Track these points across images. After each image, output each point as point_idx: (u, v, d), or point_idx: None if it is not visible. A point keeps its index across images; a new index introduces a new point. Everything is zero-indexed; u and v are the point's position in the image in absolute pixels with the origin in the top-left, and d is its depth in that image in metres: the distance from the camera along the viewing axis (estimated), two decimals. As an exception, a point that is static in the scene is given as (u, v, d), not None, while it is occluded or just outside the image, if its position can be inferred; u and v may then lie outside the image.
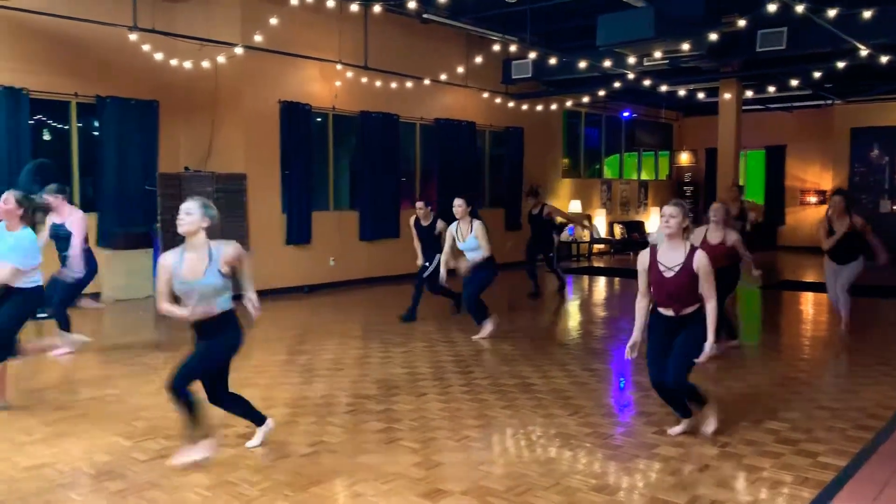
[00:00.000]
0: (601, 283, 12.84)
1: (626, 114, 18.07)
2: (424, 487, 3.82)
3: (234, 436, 4.55)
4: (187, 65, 10.07)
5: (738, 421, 4.88)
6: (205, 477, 3.94)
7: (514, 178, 14.86)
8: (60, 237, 6.80)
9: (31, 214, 5.18)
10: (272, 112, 10.68)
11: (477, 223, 7.59)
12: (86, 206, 10.13)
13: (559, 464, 4.17)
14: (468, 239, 7.58)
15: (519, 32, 10.82)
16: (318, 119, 11.53)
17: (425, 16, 10.28)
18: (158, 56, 9.70)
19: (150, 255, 10.33)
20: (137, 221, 10.30)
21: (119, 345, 7.39)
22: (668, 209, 4.45)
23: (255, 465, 4.13)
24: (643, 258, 4.56)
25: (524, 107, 14.62)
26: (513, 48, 11.28)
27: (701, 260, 4.37)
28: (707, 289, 4.38)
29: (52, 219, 6.60)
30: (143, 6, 9.10)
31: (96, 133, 10.33)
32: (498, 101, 13.92)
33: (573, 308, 10.31)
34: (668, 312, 4.48)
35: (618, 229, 17.69)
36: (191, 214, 3.99)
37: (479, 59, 12.21)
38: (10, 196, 5.10)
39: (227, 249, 4.02)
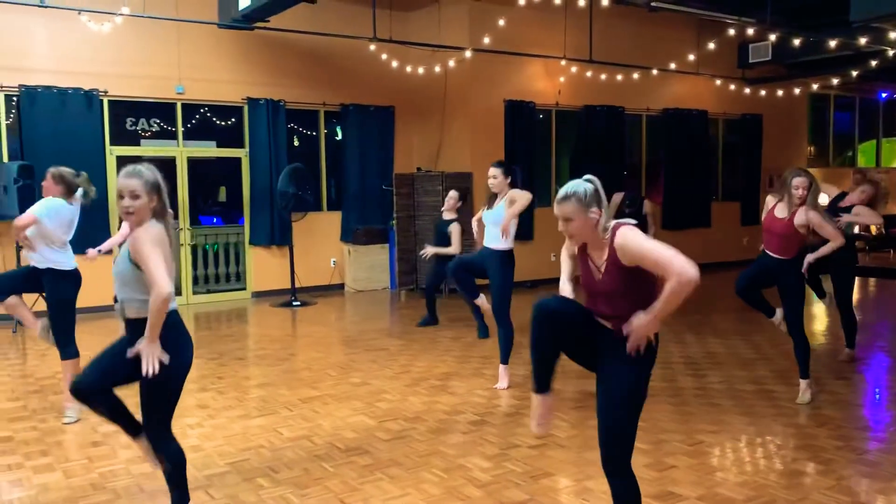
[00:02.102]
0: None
1: (884, 95, 16.14)
2: (656, 489, 3.73)
3: (465, 423, 4.76)
4: (420, 70, 10.64)
5: None
6: (441, 460, 4.17)
7: (751, 169, 13.91)
8: None
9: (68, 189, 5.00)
10: (497, 111, 10.94)
11: (515, 191, 5.68)
12: (331, 206, 11.16)
13: (804, 477, 3.86)
14: (497, 207, 5.76)
15: (757, 13, 10.08)
16: (542, 115, 11.62)
17: (654, 4, 9.94)
18: (394, 64, 10.36)
19: (387, 250, 11.08)
20: (376, 219, 11.10)
21: (360, 332, 8.01)
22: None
23: (488, 453, 4.28)
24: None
25: (762, 92, 13.61)
26: (750, 31, 10.54)
27: (623, 233, 2.73)
28: (665, 259, 2.59)
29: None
30: (381, 18, 9.76)
31: (339, 138, 11.27)
32: (732, 87, 13.09)
33: (820, 310, 9.43)
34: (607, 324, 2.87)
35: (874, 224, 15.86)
36: (138, 198, 3.09)
37: (711, 45, 11.56)
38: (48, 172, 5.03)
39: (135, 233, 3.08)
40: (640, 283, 2.74)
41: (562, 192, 2.84)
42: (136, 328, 3.10)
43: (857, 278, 7.10)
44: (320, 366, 6.45)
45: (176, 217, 9.96)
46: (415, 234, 10.57)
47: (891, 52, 11.12)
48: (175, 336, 3.17)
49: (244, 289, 10.54)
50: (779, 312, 5.37)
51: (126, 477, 4.00)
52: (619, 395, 2.79)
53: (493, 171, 5.75)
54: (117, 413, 3.30)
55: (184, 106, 9.96)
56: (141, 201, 3.08)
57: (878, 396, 5.48)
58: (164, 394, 3.21)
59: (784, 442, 4.39)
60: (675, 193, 12.85)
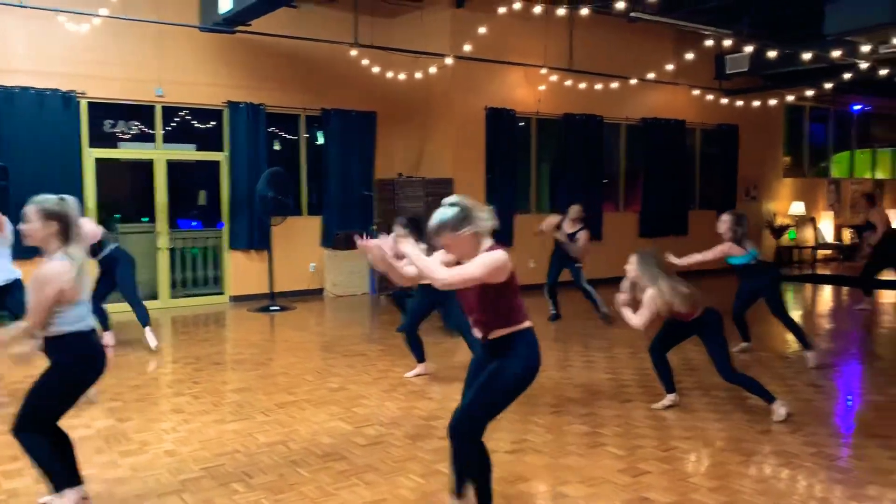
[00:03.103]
0: (826, 291, 11.78)
1: (857, 107, 16.42)
2: (630, 495, 3.76)
3: (443, 428, 4.76)
4: (402, 76, 10.66)
5: None
6: (418, 465, 4.17)
7: (728, 179, 14.09)
8: None
9: None
10: (478, 118, 11.00)
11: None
12: (311, 210, 11.13)
13: (777, 483, 3.91)
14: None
15: (734, 25, 10.23)
16: (522, 123, 11.69)
17: (633, 14, 10.05)
18: (376, 69, 10.37)
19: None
20: (356, 224, 11.07)
21: (339, 337, 7.99)
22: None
23: (463, 458, 4.28)
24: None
25: (739, 103, 13.79)
26: (727, 42, 10.68)
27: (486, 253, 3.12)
28: (459, 268, 3.09)
29: None
30: (363, 23, 9.77)
31: (320, 143, 11.25)
32: (710, 97, 13.25)
33: (796, 318, 9.55)
34: (478, 332, 3.30)
35: (847, 233, 16.11)
36: (30, 223, 3.29)
37: (689, 55, 11.69)
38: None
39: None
40: (498, 296, 3.14)
41: (432, 226, 3.12)
42: (48, 345, 3.34)
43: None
44: (298, 371, 6.43)
45: (153, 220, 9.90)
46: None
47: (864, 66, 11.32)
48: (72, 351, 3.35)
49: (222, 293, 10.48)
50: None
51: (98, 483, 3.96)
52: (492, 388, 3.15)
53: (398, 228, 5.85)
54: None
55: (163, 108, 9.90)
56: (32, 226, 3.26)
57: (849, 403, 5.56)
58: (50, 395, 3.38)
59: (757, 448, 4.44)
60: (652, 202, 12.97)
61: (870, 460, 4.23)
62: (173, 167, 10.12)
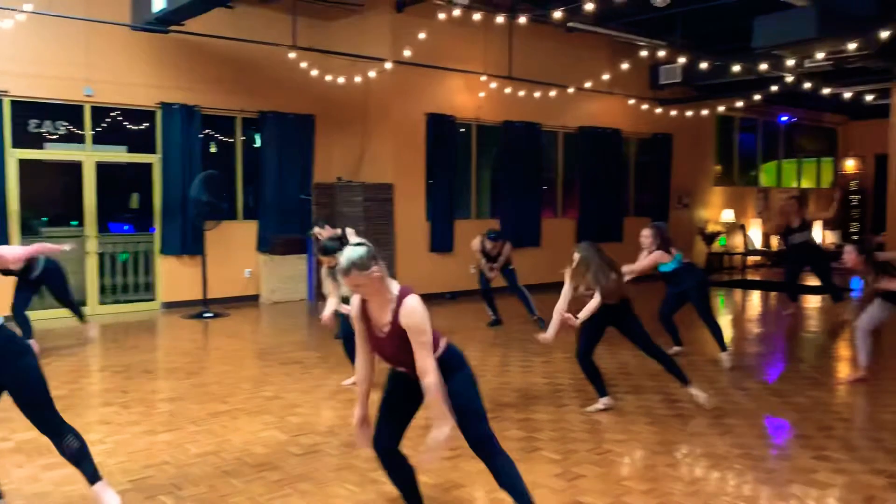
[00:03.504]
0: (755, 297, 12.17)
1: (784, 118, 17.06)
2: (565, 499, 3.80)
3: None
4: (341, 80, 10.58)
5: (911, 451, 4.48)
6: (353, 474, 4.12)
7: (661, 186, 14.44)
8: None
9: None
10: (419, 124, 11.00)
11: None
12: (247, 214, 10.94)
13: (706, 484, 4.01)
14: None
15: (668, 37, 10.51)
16: (462, 129, 11.74)
17: (570, 24, 10.22)
18: (314, 72, 10.26)
19: (305, 261, 10.93)
20: (294, 229, 10.93)
21: (275, 345, 7.86)
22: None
23: (400, 465, 4.26)
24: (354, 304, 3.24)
25: (673, 113, 14.16)
26: (661, 53, 10.97)
27: (408, 311, 3.04)
28: (422, 356, 3.02)
29: None
30: (302, 26, 9.67)
31: (257, 146, 11.07)
32: (645, 107, 13.57)
33: (725, 323, 9.84)
34: (402, 370, 3.26)
35: (774, 240, 16.69)
36: None
37: (625, 66, 11.95)
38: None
39: None
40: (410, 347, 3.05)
41: (342, 265, 3.02)
42: None
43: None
44: (231, 379, 6.29)
45: (81, 224, 9.57)
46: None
47: (789, 79, 11.77)
48: None
49: (153, 299, 10.19)
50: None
51: (19, 498, 3.78)
52: (469, 406, 3.18)
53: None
54: None
55: (93, 109, 9.59)
56: None
57: (776, 406, 5.74)
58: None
59: (688, 450, 4.55)
60: (589, 208, 13.19)
61: (793, 460, 4.37)
62: (103, 169, 9.81)
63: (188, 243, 10.10)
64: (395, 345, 3.09)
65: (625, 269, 6.15)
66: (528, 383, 6.18)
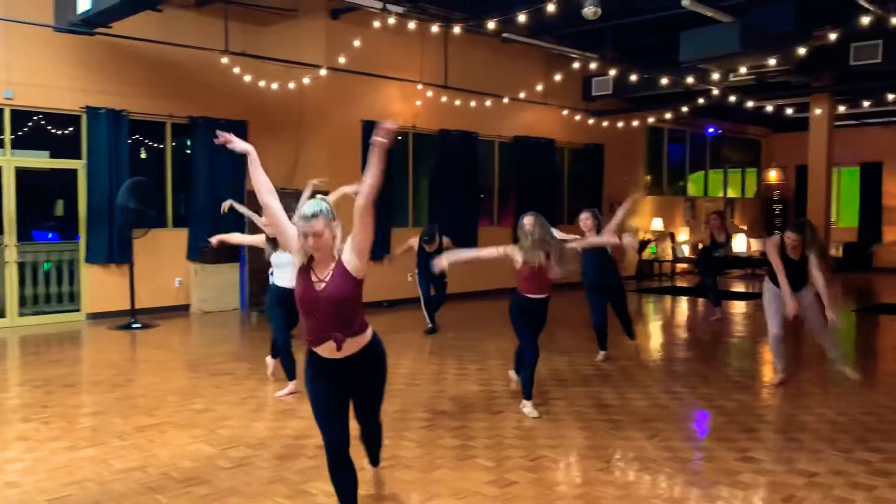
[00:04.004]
0: (683, 303, 12.51)
1: (710, 130, 17.65)
2: (498, 506, 3.82)
3: (313, 447, 4.66)
4: (275, 86, 10.45)
5: (827, 450, 4.67)
6: (285, 487, 4.05)
7: (594, 195, 14.72)
8: None
9: None
10: (354, 131, 10.93)
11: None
12: (177, 222, 10.67)
13: (637, 488, 4.09)
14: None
15: (599, 49, 10.75)
16: (399, 137, 11.73)
17: (505, 35, 10.35)
18: (248, 78, 10.11)
19: (238, 269, 10.72)
20: (226, 237, 10.69)
21: (206, 356, 7.67)
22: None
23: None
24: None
25: (605, 123, 14.48)
26: (593, 65, 11.22)
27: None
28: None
29: None
30: (235, 31, 9.51)
31: (188, 152, 10.82)
32: (578, 118, 13.83)
33: (655, 329, 10.09)
34: (334, 353, 3.20)
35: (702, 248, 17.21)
36: None
37: (558, 77, 12.17)
38: None
39: None
40: (356, 294, 3.20)
41: (309, 210, 3.09)
42: None
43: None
44: (159, 392, 6.11)
45: (1, 232, 9.17)
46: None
47: (715, 92, 12.19)
48: None
49: (78, 310, 9.83)
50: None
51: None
52: (381, 396, 3.50)
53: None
54: None
55: (12, 112, 9.21)
56: None
57: (703, 409, 5.90)
58: None
59: (619, 454, 4.63)
60: (518, 216, 13.29)
61: (719, 462, 4.50)
62: (25, 175, 9.43)
63: (115, 252, 9.79)
64: (337, 287, 3.11)
65: (577, 242, 6.37)
66: (464, 391, 6.20)
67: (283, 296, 5.80)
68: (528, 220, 5.63)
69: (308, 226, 3.06)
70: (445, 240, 8.89)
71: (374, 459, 3.78)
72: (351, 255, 3.16)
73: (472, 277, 12.13)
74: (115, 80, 9.79)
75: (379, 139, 3.19)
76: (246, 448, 4.69)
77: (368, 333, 3.29)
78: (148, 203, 9.32)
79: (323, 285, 3.13)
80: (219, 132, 3.34)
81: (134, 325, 9.14)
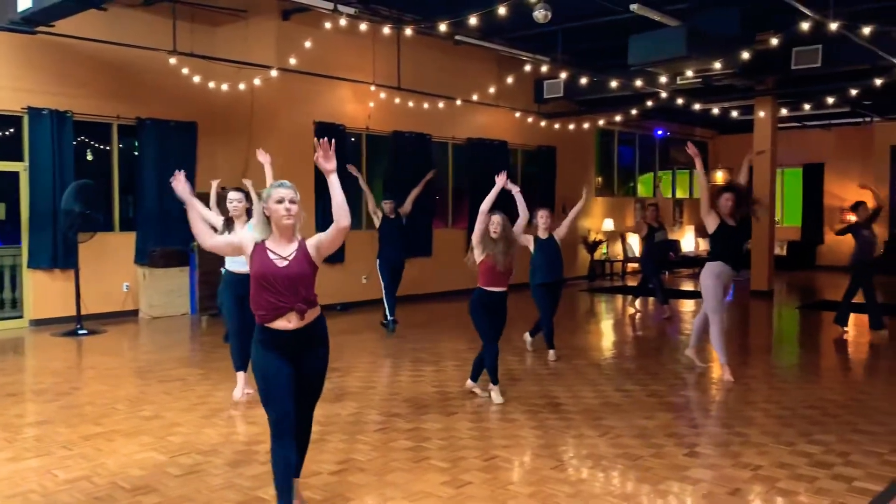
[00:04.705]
0: (636, 302, 12.70)
1: (659, 132, 17.98)
2: (452, 507, 3.83)
3: (264, 452, 4.60)
4: (225, 87, 10.31)
5: (771, 444, 4.80)
6: (237, 493, 4.00)
7: (546, 197, 14.86)
8: None
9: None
10: (307, 132, 10.84)
11: None
12: (124, 226, 10.44)
13: (590, 485, 4.15)
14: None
15: (550, 52, 10.86)
16: (353, 139, 11.68)
17: (457, 37, 10.39)
18: (197, 79, 9.95)
19: (187, 273, 10.53)
20: (175, 240, 10.51)
21: (155, 361, 7.52)
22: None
23: (286, 481, 4.16)
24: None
25: (556, 126, 14.64)
26: (544, 68, 11.34)
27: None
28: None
29: None
30: (183, 31, 9.35)
31: (136, 154, 10.59)
32: (530, 120, 13.96)
33: (606, 328, 10.24)
34: (288, 324, 3.41)
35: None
36: None
37: (510, 80, 12.27)
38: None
39: None
40: (314, 274, 3.51)
41: (283, 182, 3.54)
42: None
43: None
44: (106, 400, 5.97)
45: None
46: (219, 256, 10.13)
47: (663, 94, 12.43)
48: None
49: (21, 316, 9.54)
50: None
51: None
52: (321, 386, 3.63)
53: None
54: None
55: (-51, 112, 8.91)
56: None
57: (653, 406, 6.01)
58: None
59: (572, 452, 4.69)
60: (473, 218, 13.36)
61: (669, 458, 4.59)
62: (-39, 178, 9.12)
63: (59, 256, 9.52)
64: (300, 265, 3.41)
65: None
66: (418, 392, 6.20)
67: (236, 281, 5.90)
68: (496, 219, 5.98)
69: (288, 191, 3.46)
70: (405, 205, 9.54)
71: (297, 469, 3.62)
72: (314, 248, 3.48)
73: (428, 279, 12.17)
74: (58, 80, 9.53)
75: (323, 164, 3.57)
76: (197, 455, 4.62)
77: (318, 308, 3.54)
78: (94, 206, 9.10)
79: (286, 263, 3.39)
80: (177, 172, 3.75)
81: (80, 332, 8.91)
